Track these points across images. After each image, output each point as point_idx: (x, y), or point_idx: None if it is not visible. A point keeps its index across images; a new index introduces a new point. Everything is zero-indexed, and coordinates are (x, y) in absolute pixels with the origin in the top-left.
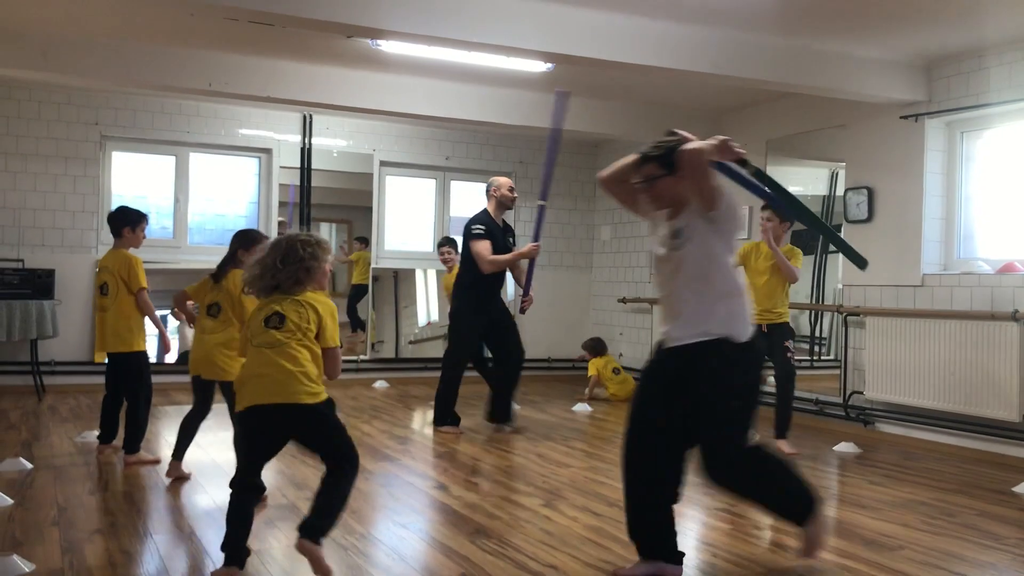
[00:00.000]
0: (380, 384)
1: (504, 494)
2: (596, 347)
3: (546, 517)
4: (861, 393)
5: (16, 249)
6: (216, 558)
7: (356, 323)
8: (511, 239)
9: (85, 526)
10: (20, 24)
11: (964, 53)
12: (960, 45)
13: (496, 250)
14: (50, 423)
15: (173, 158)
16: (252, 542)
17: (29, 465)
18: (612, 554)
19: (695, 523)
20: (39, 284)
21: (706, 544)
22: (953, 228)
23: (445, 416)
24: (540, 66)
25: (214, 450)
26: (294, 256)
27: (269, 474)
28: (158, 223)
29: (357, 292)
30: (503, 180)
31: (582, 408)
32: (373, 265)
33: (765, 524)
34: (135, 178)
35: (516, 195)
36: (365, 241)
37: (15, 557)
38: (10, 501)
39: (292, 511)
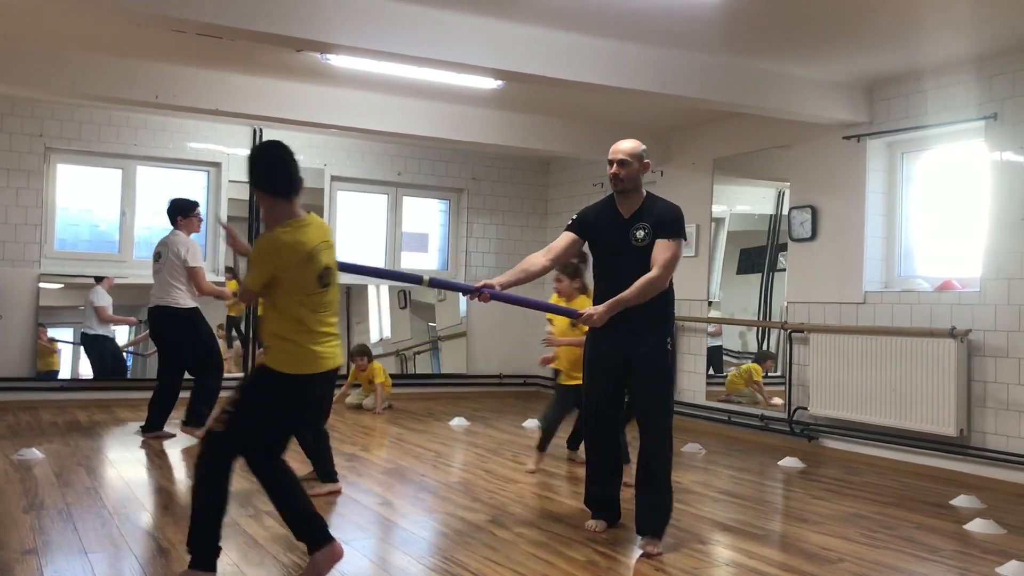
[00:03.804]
0: None
1: (451, 510)
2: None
3: (491, 533)
4: (805, 409)
5: None
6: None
7: None
8: (641, 233)
9: (17, 546)
10: None
11: (904, 76)
12: (900, 68)
13: (596, 248)
14: None
15: (120, 171)
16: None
17: None
18: (556, 569)
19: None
20: None
21: (652, 559)
22: (894, 246)
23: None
24: (491, 83)
25: (153, 467)
26: None
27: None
28: (105, 237)
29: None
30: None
31: (532, 424)
32: None
33: (707, 538)
34: (81, 191)
35: (618, 170)
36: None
37: None
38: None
39: (233, 529)
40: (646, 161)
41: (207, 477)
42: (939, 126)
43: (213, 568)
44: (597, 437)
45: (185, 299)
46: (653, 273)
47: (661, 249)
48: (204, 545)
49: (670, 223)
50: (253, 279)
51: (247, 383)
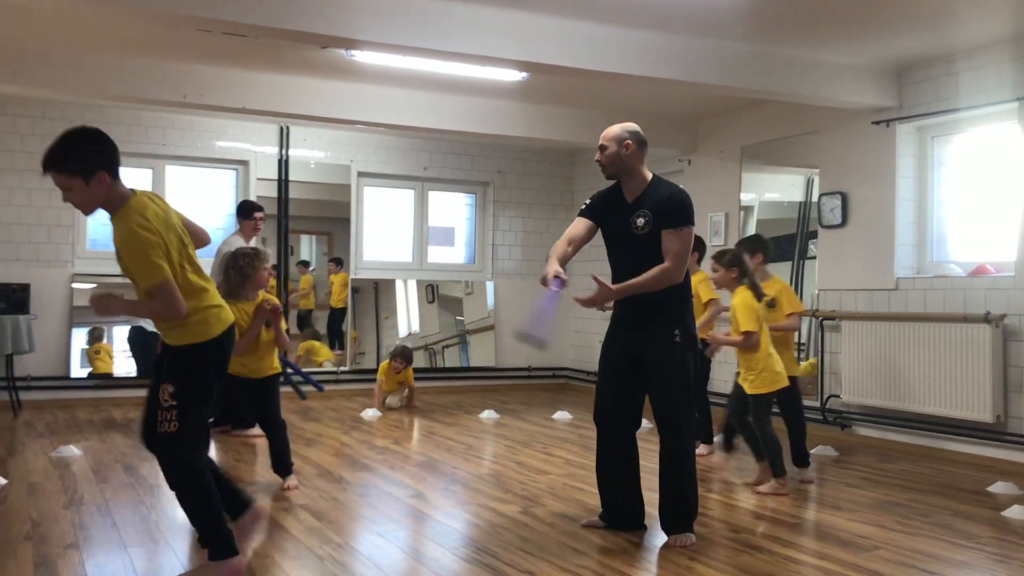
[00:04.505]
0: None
1: (482, 502)
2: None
3: (524, 524)
4: (838, 397)
5: None
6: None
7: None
8: (641, 221)
9: (58, 541)
10: None
11: (934, 59)
12: (930, 51)
13: (603, 233)
14: (26, 438)
15: (150, 171)
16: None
17: (3, 480)
18: (589, 559)
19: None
20: (14, 299)
21: (686, 547)
22: (926, 232)
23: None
24: (515, 75)
25: None
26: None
27: (250, 487)
28: None
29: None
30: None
31: (562, 416)
32: (353, 276)
33: (741, 527)
34: None
35: (599, 156)
36: (306, 264)
37: None
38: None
39: (269, 522)
40: (627, 142)
41: (190, 479)
42: (971, 108)
43: (236, 551)
44: (604, 439)
45: None
46: (666, 264)
47: (670, 240)
48: (217, 536)
49: (674, 212)
50: (156, 271)
51: (176, 372)
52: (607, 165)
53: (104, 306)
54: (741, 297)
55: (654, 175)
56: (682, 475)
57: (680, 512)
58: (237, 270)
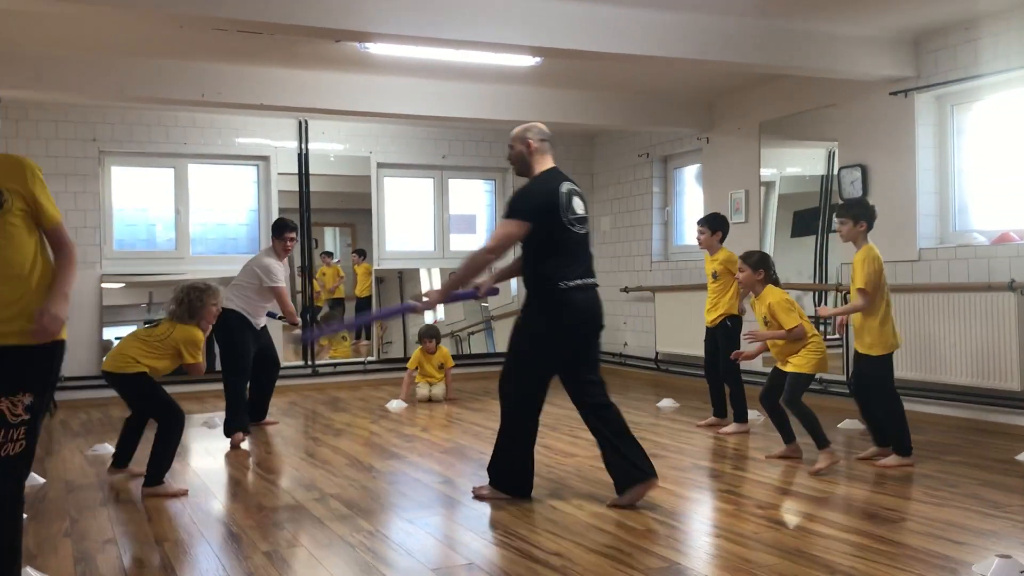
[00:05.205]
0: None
1: None
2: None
3: (551, 506)
4: None
5: None
6: (225, 562)
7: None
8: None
9: (97, 536)
10: (12, 45)
11: (951, 26)
12: (947, 18)
13: None
14: (62, 438)
15: (172, 170)
16: (261, 543)
17: (42, 480)
18: (616, 539)
19: (701, 505)
20: None
21: (712, 525)
22: (947, 201)
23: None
24: (528, 60)
25: (222, 457)
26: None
27: (281, 478)
28: (161, 235)
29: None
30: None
31: None
32: (376, 266)
33: (767, 503)
34: (135, 192)
35: (507, 156)
36: (329, 254)
37: (29, 569)
38: (23, 515)
39: (301, 512)
40: (528, 140)
41: (15, 508)
42: (990, 75)
43: None
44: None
45: (227, 302)
46: (475, 247)
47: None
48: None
49: (509, 203)
50: (53, 204)
51: (37, 377)
52: (512, 163)
53: (51, 319)
54: (776, 295)
55: (543, 171)
56: (500, 431)
57: (495, 465)
58: (187, 305)
